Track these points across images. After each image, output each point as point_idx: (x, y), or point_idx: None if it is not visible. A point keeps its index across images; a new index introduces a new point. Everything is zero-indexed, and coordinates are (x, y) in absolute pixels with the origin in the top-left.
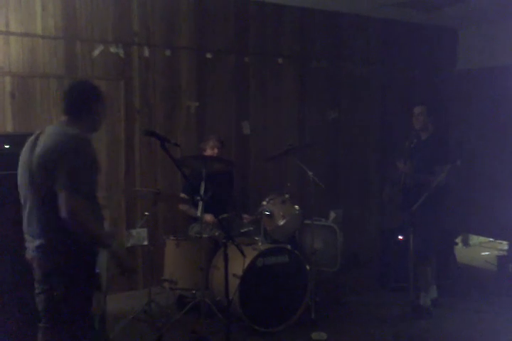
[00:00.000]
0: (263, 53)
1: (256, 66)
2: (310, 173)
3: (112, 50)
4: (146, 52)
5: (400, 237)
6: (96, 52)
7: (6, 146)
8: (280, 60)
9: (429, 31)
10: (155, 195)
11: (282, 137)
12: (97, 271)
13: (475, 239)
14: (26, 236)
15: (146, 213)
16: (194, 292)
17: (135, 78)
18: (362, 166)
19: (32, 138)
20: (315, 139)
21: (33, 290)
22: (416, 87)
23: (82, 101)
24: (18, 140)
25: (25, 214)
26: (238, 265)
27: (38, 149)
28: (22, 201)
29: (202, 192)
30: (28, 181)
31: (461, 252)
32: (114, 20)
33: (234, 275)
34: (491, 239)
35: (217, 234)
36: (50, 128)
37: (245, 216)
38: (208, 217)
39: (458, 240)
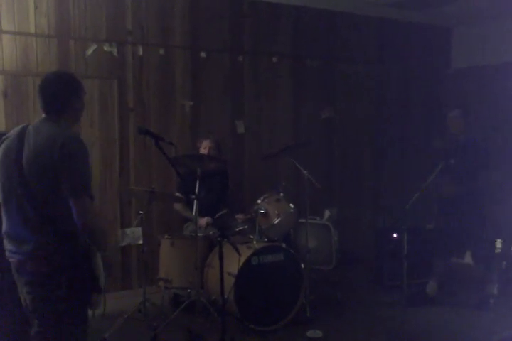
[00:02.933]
0: (257, 52)
1: (250, 65)
2: (305, 172)
3: (106, 48)
4: (140, 51)
5: (395, 235)
6: (89, 51)
7: None
8: (275, 59)
9: (423, 30)
10: (150, 194)
11: (277, 136)
12: (96, 272)
13: None
14: (9, 239)
15: (141, 212)
16: (189, 291)
17: (129, 77)
18: (356, 165)
19: (12, 136)
20: (310, 138)
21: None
22: (411, 86)
23: (60, 95)
24: None
25: (8, 215)
26: (233, 263)
27: (28, 151)
28: (2, 201)
29: (196, 191)
30: (18, 184)
31: None
32: (107, 18)
33: (229, 273)
34: None
35: (211, 233)
36: (37, 127)
37: (239, 215)
38: (202, 221)
39: None
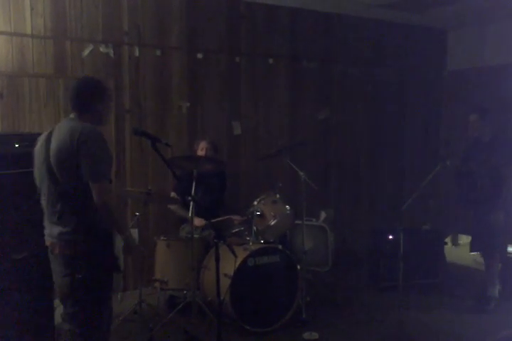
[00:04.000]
0: (254, 53)
1: (247, 66)
2: (302, 174)
3: (102, 49)
4: (137, 52)
5: (390, 237)
6: (86, 52)
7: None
8: (271, 60)
9: (419, 32)
10: (146, 196)
11: (273, 137)
12: (116, 254)
13: (464, 239)
14: (46, 224)
15: (137, 213)
16: (185, 292)
17: (125, 78)
18: (353, 166)
19: (43, 136)
20: (306, 139)
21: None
22: (407, 87)
23: (88, 97)
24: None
25: (44, 204)
26: (229, 265)
27: (54, 144)
28: (41, 193)
29: (193, 192)
30: (47, 174)
31: (451, 251)
32: (104, 19)
33: (225, 275)
34: None
35: (207, 234)
36: (61, 125)
37: (235, 217)
38: (197, 222)
39: (447, 240)
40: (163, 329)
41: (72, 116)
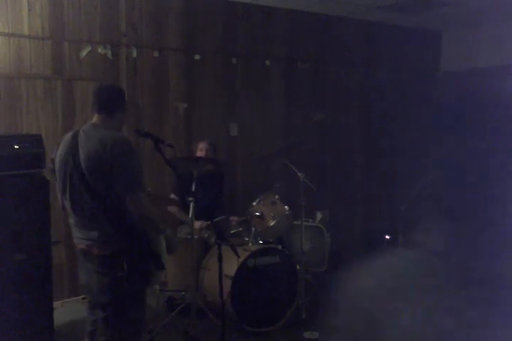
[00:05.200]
0: (251, 55)
1: (244, 68)
2: (300, 175)
3: (100, 50)
4: (134, 53)
5: (387, 237)
6: (83, 53)
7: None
8: (268, 62)
9: (413, 34)
10: (145, 197)
11: (269, 138)
12: (157, 252)
13: None
14: (79, 228)
15: None
16: (183, 293)
17: (123, 79)
18: (347, 167)
19: (67, 140)
20: (301, 140)
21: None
22: (402, 88)
23: (115, 101)
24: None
25: (74, 208)
26: (230, 266)
27: (84, 152)
28: (67, 199)
29: (192, 193)
30: (78, 181)
31: None
32: (101, 20)
33: (226, 275)
34: None
35: (206, 235)
36: (87, 130)
37: (233, 218)
38: (197, 225)
39: None
40: (164, 331)
41: (96, 121)
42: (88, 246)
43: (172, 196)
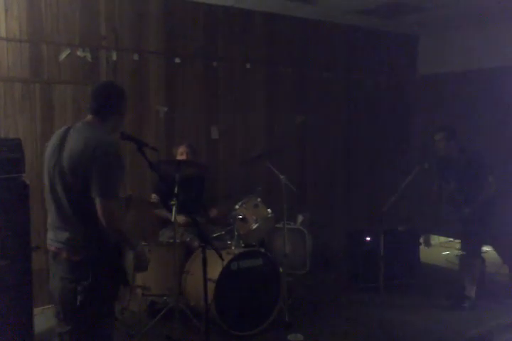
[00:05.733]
0: (231, 58)
1: (224, 71)
2: (282, 177)
3: (79, 53)
4: (114, 56)
5: (368, 238)
6: (62, 56)
7: None
8: (248, 65)
9: (390, 38)
10: (126, 201)
11: (251, 141)
12: (124, 267)
13: (436, 239)
14: (51, 228)
15: None
16: (165, 298)
17: None
18: (328, 169)
19: (57, 135)
20: (283, 143)
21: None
22: (380, 92)
23: (108, 102)
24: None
25: (51, 208)
26: (213, 269)
27: (68, 150)
28: (47, 195)
29: (175, 198)
30: (59, 179)
31: (424, 252)
32: (81, 23)
33: (209, 279)
34: (451, 239)
35: (188, 239)
36: (78, 128)
37: (212, 211)
38: (180, 219)
39: (420, 240)
40: (146, 336)
41: (89, 120)
42: (58, 248)
43: (153, 196)
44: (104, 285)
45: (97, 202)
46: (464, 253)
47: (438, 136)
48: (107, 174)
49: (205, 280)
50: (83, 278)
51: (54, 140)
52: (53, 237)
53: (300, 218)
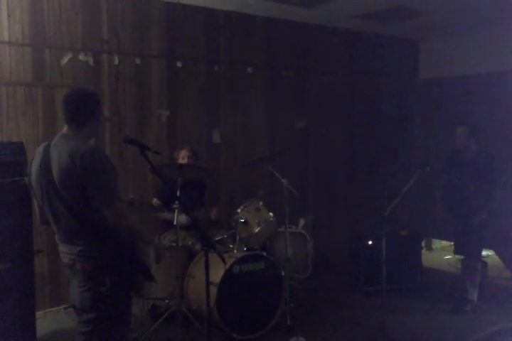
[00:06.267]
0: (233, 62)
1: (226, 75)
2: (284, 181)
3: (81, 57)
4: (116, 61)
5: (370, 242)
6: (64, 60)
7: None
8: (250, 69)
9: (392, 42)
10: (128, 205)
11: (252, 145)
12: (145, 263)
13: (437, 243)
14: (62, 243)
15: None
16: (167, 301)
17: (104, 86)
18: (330, 173)
19: (40, 152)
20: (284, 147)
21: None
22: (381, 96)
23: (79, 108)
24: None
25: (55, 222)
26: (215, 273)
27: (55, 165)
28: (48, 213)
29: (177, 202)
30: (54, 195)
31: (425, 256)
32: (83, 27)
33: (211, 282)
34: (452, 243)
35: (190, 243)
36: (57, 142)
37: (212, 211)
38: (182, 219)
39: (422, 244)
40: (148, 340)
41: (66, 131)
42: (71, 259)
43: (155, 200)
44: (128, 285)
45: (104, 210)
46: (463, 256)
47: (460, 129)
48: (101, 182)
49: (208, 283)
50: (101, 285)
51: (37, 159)
52: (65, 250)
53: (302, 222)
